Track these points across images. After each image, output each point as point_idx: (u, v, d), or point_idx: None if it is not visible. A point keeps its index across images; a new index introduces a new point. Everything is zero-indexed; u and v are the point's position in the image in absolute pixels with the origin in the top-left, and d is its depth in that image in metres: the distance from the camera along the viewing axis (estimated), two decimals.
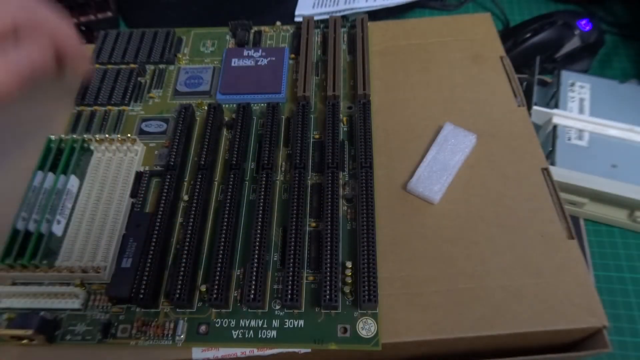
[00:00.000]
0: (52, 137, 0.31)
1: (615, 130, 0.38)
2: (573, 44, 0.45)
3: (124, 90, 0.35)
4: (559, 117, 0.38)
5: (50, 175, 0.29)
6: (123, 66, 0.36)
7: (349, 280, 0.26)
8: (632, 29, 0.52)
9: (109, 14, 0.47)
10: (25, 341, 0.25)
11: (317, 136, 0.31)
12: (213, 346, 0.25)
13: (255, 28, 0.37)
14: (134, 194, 0.30)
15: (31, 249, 0.27)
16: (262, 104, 0.33)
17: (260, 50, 0.35)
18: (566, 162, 0.35)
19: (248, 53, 0.35)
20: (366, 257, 0.25)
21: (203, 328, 0.25)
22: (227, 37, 0.38)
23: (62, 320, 0.26)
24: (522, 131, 0.32)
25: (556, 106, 0.39)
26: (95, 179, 0.30)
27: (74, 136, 0.31)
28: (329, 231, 0.26)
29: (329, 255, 0.26)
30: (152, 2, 0.47)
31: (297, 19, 0.44)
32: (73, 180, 0.30)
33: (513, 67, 0.35)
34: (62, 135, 0.31)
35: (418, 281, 0.26)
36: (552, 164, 0.35)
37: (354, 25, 0.36)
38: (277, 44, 0.37)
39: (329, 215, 0.27)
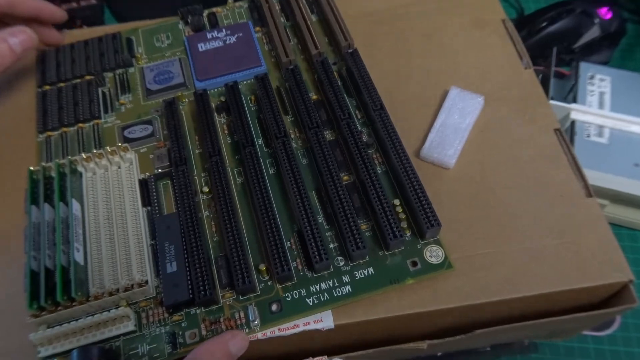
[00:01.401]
0: (32, 168, 0.28)
1: (638, 126, 0.35)
2: (592, 33, 0.42)
3: (89, 104, 0.32)
4: (578, 112, 0.36)
5: (48, 207, 0.26)
6: (77, 80, 0.33)
7: (402, 216, 0.26)
8: None
9: (93, 1, 0.43)
10: None
11: (315, 97, 0.31)
12: (292, 320, 0.24)
13: (206, 11, 0.36)
14: (145, 202, 0.28)
15: (60, 283, 0.24)
16: (246, 81, 0.32)
17: (224, 30, 0.33)
18: (585, 160, 0.32)
19: (212, 35, 0.33)
20: (413, 188, 0.25)
21: (275, 306, 0.24)
22: (180, 26, 0.36)
23: (120, 347, 0.24)
24: (531, 93, 0.31)
25: (574, 100, 0.37)
26: (95, 198, 0.28)
27: (58, 161, 0.28)
28: (367, 176, 0.26)
29: (376, 198, 0.25)
30: None
31: None
32: (75, 205, 0.27)
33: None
34: (43, 164, 0.28)
35: None
36: None
37: None
38: (235, 21, 0.35)
39: (361, 162, 0.27)
